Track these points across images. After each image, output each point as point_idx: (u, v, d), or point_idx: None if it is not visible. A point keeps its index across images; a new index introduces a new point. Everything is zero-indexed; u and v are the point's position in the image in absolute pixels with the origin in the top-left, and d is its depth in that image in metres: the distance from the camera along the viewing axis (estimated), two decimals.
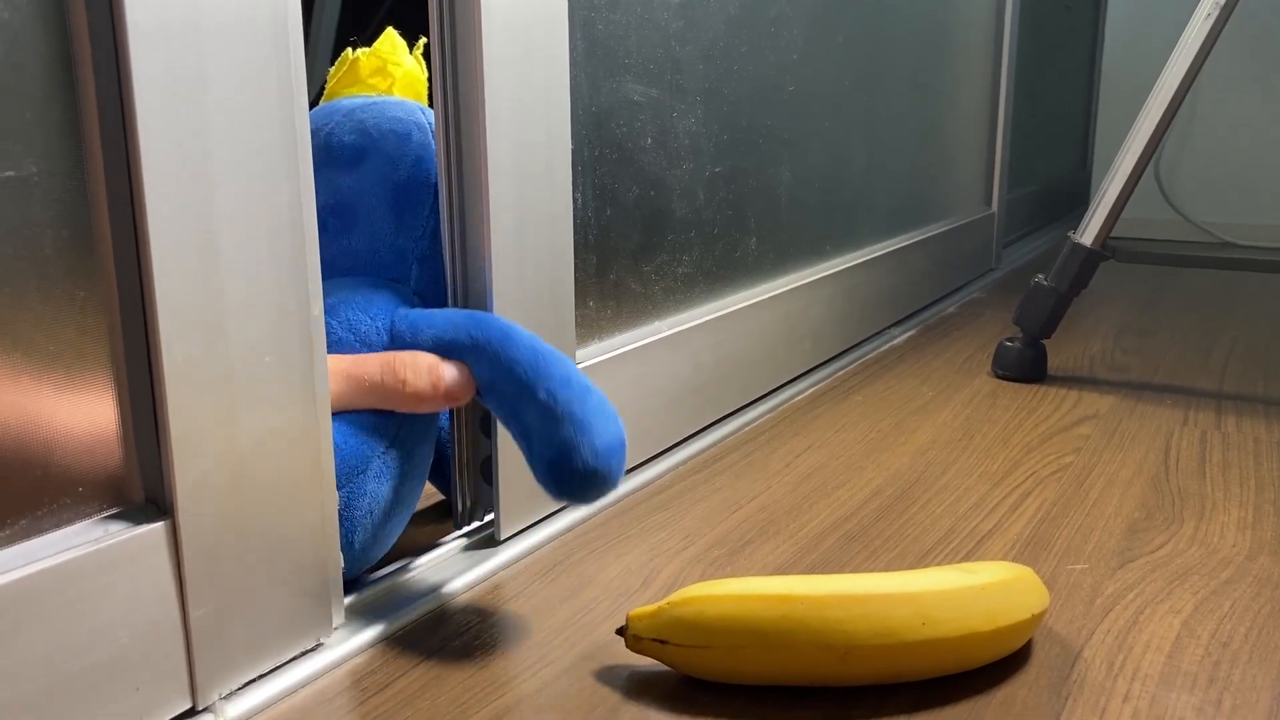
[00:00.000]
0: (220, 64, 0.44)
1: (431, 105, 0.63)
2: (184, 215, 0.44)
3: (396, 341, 0.58)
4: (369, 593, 0.59)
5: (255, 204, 0.47)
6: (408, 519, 0.62)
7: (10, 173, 0.40)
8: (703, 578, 0.63)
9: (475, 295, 0.64)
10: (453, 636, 0.56)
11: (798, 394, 1.02)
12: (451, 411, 0.66)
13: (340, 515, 0.55)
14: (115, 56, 0.41)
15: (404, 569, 0.62)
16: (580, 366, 0.72)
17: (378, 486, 0.57)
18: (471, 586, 0.62)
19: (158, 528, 0.44)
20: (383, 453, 0.57)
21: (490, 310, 0.63)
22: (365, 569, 0.60)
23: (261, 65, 0.46)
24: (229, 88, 0.45)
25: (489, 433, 0.66)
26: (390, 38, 0.70)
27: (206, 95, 0.44)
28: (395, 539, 0.61)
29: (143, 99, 0.42)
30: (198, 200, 0.44)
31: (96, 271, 0.43)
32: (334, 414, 0.56)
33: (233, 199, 0.46)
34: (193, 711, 0.47)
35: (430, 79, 0.64)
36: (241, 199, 0.46)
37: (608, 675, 0.52)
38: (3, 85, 0.39)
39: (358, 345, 0.58)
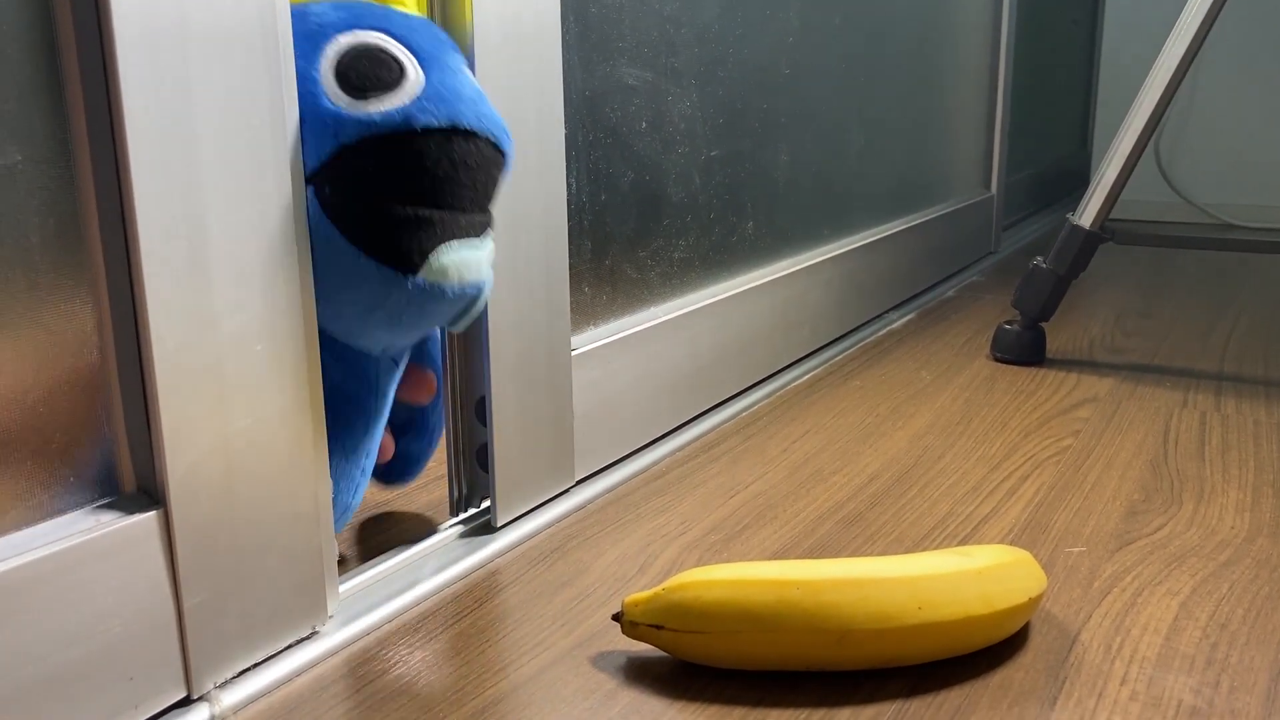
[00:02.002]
0: (207, 47, 0.44)
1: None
2: (173, 202, 0.43)
3: None
4: (364, 580, 0.59)
5: (244, 191, 0.46)
6: (352, 470, 0.58)
7: None
8: (700, 563, 0.63)
9: None
10: (449, 623, 0.56)
11: (796, 379, 1.02)
12: (447, 399, 0.66)
13: None
14: (100, 42, 0.41)
15: (400, 556, 0.62)
16: (575, 353, 0.72)
17: None
18: (468, 573, 0.62)
19: (150, 517, 0.44)
20: None
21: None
22: None
23: (249, 51, 0.46)
24: (216, 72, 0.44)
25: (484, 420, 0.66)
26: None
27: (193, 80, 0.44)
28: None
29: (128, 86, 0.41)
30: (186, 187, 0.44)
31: (84, 260, 0.43)
32: None
33: (221, 185, 0.45)
34: (187, 700, 0.47)
35: None
36: (230, 186, 0.46)
37: (604, 661, 0.52)
38: None
39: None
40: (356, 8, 0.52)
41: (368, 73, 0.49)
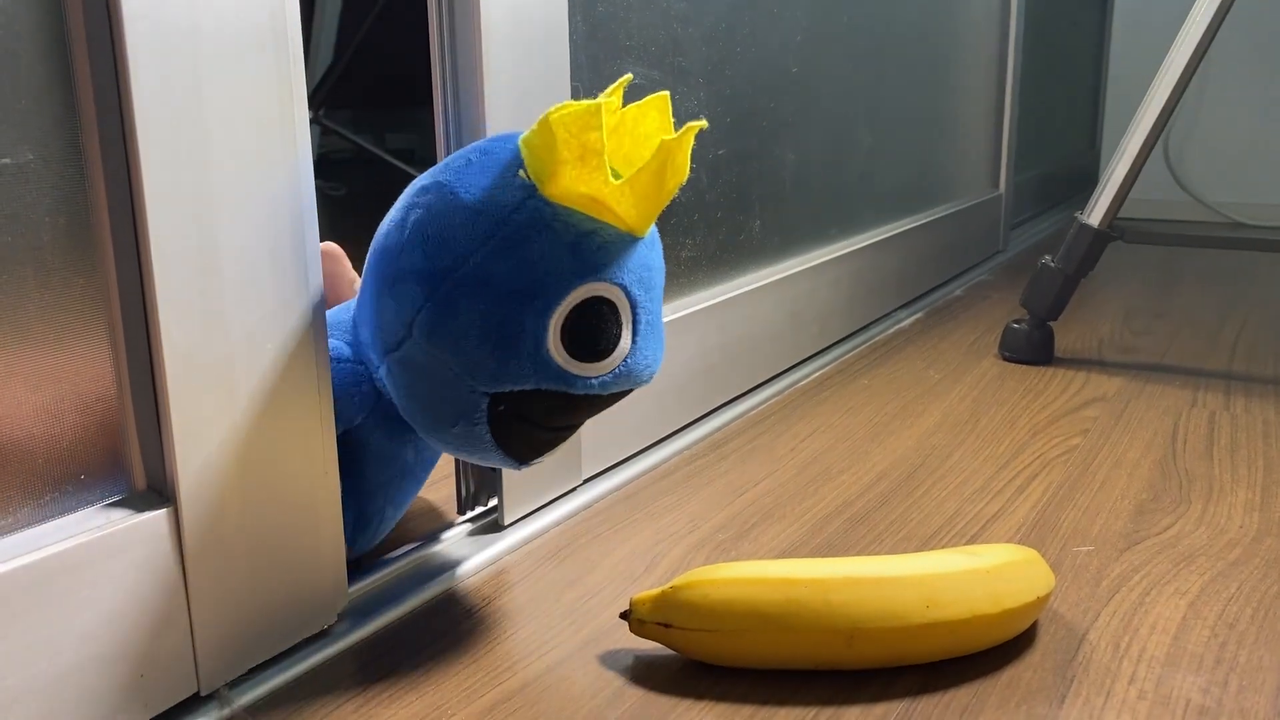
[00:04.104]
0: (217, 48, 0.44)
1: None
2: (183, 202, 0.43)
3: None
4: (374, 578, 0.59)
5: (254, 190, 0.46)
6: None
7: (6, 160, 0.39)
8: (708, 562, 0.63)
9: None
10: (457, 622, 0.56)
11: (804, 378, 1.02)
12: None
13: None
14: (111, 42, 0.41)
15: (409, 554, 0.62)
16: None
17: None
18: (476, 572, 0.62)
19: (160, 515, 0.44)
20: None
21: None
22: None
23: (259, 49, 0.46)
24: (226, 72, 0.45)
25: None
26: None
27: (203, 80, 0.44)
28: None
29: (139, 85, 0.41)
30: (196, 186, 0.44)
31: (95, 259, 0.43)
32: None
33: (231, 185, 0.45)
34: (198, 697, 0.47)
35: (430, 66, 0.63)
36: (240, 185, 0.46)
37: (612, 659, 0.52)
38: None
39: None
40: (612, 247, 0.49)
41: (589, 344, 0.49)
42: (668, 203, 0.49)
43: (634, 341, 0.50)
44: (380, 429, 0.57)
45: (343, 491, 0.56)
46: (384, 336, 0.50)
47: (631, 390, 0.52)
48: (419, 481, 0.61)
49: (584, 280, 0.48)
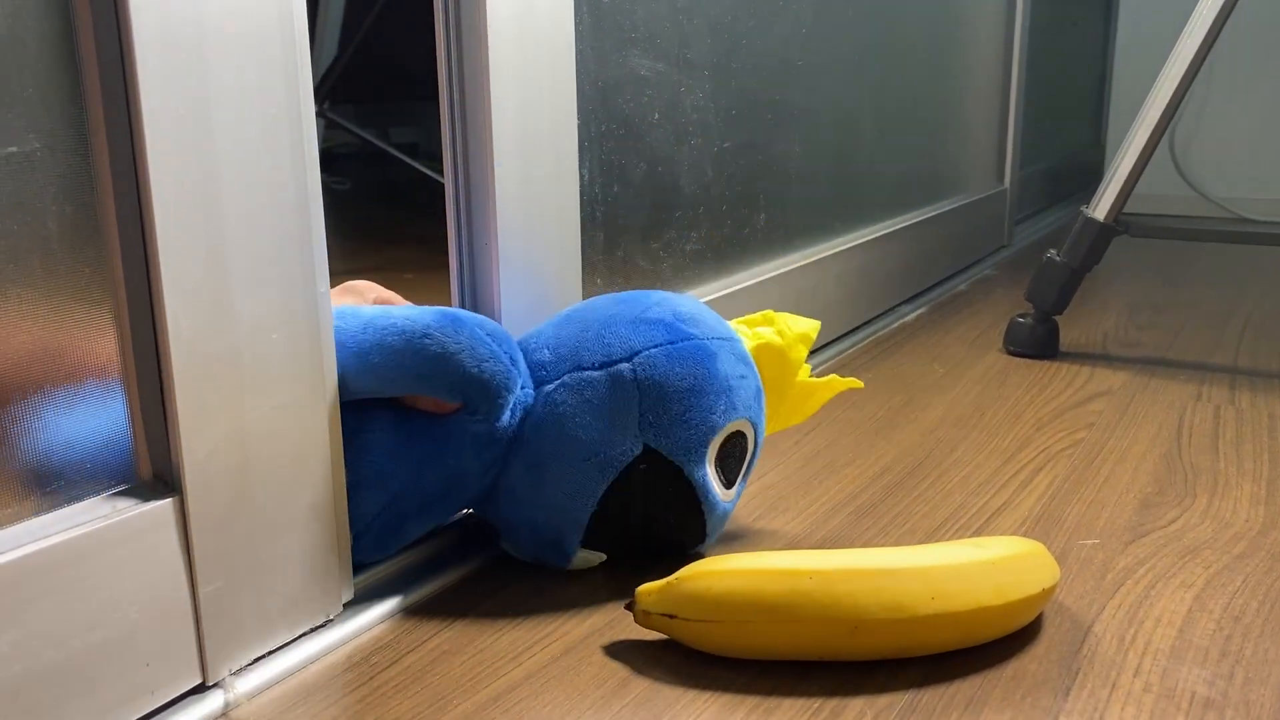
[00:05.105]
0: (223, 39, 0.44)
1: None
2: (188, 192, 0.43)
3: None
4: (379, 569, 0.59)
5: (260, 179, 0.46)
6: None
7: (12, 148, 0.39)
8: (712, 553, 0.63)
9: (481, 273, 0.63)
10: (462, 612, 0.56)
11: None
12: None
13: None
14: (118, 32, 0.41)
15: (413, 545, 0.62)
16: None
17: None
18: (481, 562, 0.62)
19: (166, 504, 0.44)
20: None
21: (497, 288, 0.63)
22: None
23: (264, 36, 0.46)
24: (232, 63, 0.45)
25: None
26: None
27: (209, 71, 0.44)
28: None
29: (145, 75, 0.41)
30: (202, 176, 0.44)
31: (101, 247, 0.43)
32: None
33: (238, 174, 0.45)
34: (203, 686, 0.47)
35: (437, 63, 0.63)
36: (247, 174, 0.46)
37: (617, 650, 0.52)
38: (4, 60, 0.39)
39: None
40: (746, 388, 0.59)
41: (728, 464, 0.59)
42: (784, 428, 0.66)
43: (736, 492, 0.60)
44: (475, 439, 0.56)
45: (385, 473, 0.55)
46: (592, 354, 0.56)
47: (695, 548, 0.61)
48: (449, 509, 0.59)
49: (751, 416, 0.59)
